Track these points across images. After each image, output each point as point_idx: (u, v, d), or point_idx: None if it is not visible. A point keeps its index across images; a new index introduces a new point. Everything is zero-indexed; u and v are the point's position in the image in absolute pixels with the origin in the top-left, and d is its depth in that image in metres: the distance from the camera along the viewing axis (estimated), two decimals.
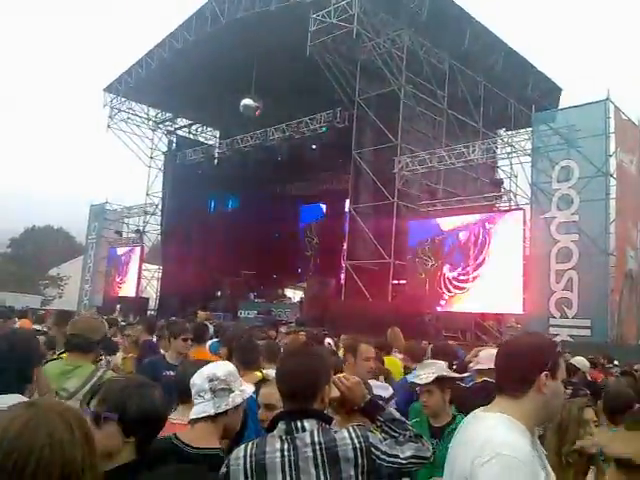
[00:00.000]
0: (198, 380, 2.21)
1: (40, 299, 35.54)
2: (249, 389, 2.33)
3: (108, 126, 26.34)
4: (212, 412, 2.15)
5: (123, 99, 26.24)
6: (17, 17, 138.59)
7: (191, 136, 28.72)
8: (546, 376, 1.62)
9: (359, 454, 1.83)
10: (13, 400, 1.81)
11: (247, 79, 19.98)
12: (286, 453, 1.82)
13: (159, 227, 27.08)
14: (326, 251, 21.86)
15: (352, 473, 1.81)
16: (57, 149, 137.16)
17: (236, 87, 20.20)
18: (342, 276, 18.25)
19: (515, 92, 20.26)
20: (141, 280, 27.28)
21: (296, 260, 24.36)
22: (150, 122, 27.61)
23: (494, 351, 3.63)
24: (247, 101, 20.61)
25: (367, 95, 18.42)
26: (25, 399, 1.97)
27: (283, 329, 12.31)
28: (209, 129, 29.25)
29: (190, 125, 28.76)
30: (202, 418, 2.15)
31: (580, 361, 6.50)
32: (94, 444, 1.12)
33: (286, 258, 23.64)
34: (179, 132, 28.43)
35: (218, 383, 2.20)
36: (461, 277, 15.46)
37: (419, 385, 3.20)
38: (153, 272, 28.56)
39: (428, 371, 3.19)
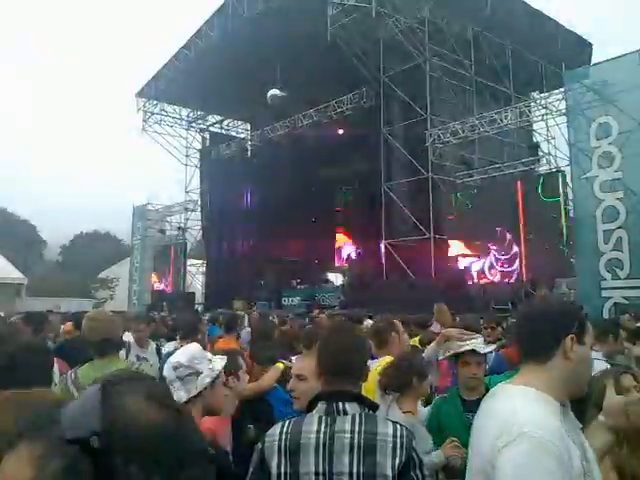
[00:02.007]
0: (166, 371, 2.24)
1: (92, 302, 36.48)
2: (219, 364, 2.31)
3: (143, 129, 26.92)
4: (184, 399, 2.16)
5: (155, 102, 26.75)
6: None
7: (223, 131, 29.09)
8: (572, 340, 1.45)
9: (398, 453, 1.74)
10: None
11: (272, 70, 19.94)
12: (322, 435, 1.77)
13: (200, 223, 27.41)
14: (364, 231, 21.60)
15: (387, 472, 1.72)
16: (97, 156, 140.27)
17: (262, 79, 20.18)
18: (382, 255, 17.98)
19: (544, 53, 19.50)
20: (187, 275, 27.66)
21: (336, 243, 24.19)
22: (183, 121, 28.08)
23: None
24: (274, 91, 20.56)
25: (392, 72, 18.13)
26: None
27: (325, 313, 12.26)
28: (240, 123, 29.50)
29: (221, 121, 29.06)
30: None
31: None
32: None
33: (326, 242, 23.50)
34: (211, 128, 28.80)
35: (183, 370, 2.21)
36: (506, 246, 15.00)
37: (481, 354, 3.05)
38: (198, 267, 29.02)
39: (479, 341, 3.07)
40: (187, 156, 28.14)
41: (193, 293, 27.33)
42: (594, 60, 19.06)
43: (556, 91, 15.75)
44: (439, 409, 3.12)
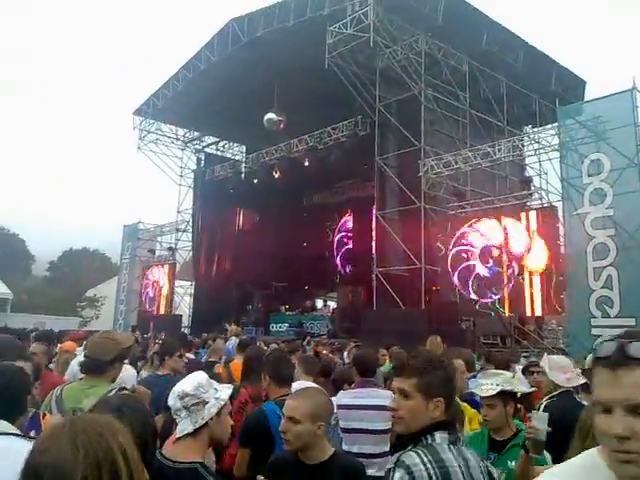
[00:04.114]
0: (171, 401, 2.23)
1: (78, 321, 36.02)
2: (225, 394, 2.30)
3: (138, 148, 26.89)
4: (190, 429, 2.17)
5: (152, 121, 26.81)
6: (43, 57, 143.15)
7: (218, 153, 29.04)
8: None
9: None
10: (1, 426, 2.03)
11: (269, 94, 20.13)
12: (462, 463, 1.82)
13: (190, 244, 27.26)
14: (355, 259, 21.52)
15: None
16: (90, 172, 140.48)
17: (259, 102, 20.36)
18: (373, 284, 17.82)
19: (538, 88, 19.78)
20: (174, 297, 27.35)
21: (326, 270, 24.07)
22: (179, 141, 28.10)
23: (562, 358, 3.68)
24: (270, 115, 20.71)
25: (387, 101, 18.29)
26: (10, 426, 2.08)
27: (312, 342, 12.10)
28: (235, 145, 29.55)
29: (217, 142, 29.09)
30: (183, 436, 2.18)
31: None
32: (109, 458, 1.10)
33: (315, 268, 23.39)
34: (207, 149, 28.79)
35: (189, 399, 2.20)
36: (496, 279, 14.86)
37: (481, 398, 3.02)
38: (186, 289, 28.71)
39: (492, 382, 2.96)
40: (181, 176, 28.11)
41: (180, 315, 26.98)
42: (587, 97, 19.34)
43: (549, 126, 15.92)
44: (468, 443, 3.05)
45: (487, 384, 2.96)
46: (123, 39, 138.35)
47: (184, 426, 2.18)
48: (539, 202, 15.28)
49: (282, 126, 20.88)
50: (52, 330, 11.34)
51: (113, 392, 2.91)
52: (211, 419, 2.19)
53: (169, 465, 2.12)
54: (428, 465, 1.77)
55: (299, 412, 2.37)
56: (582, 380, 3.52)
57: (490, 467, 1.91)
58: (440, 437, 1.85)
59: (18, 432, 2.08)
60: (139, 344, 8.82)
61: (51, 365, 6.11)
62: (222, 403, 2.25)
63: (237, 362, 5.58)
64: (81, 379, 3.27)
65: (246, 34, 19.81)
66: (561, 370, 3.61)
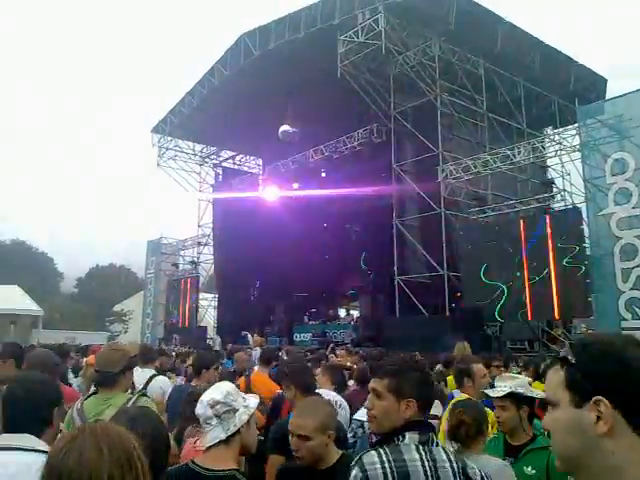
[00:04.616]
0: (201, 409, 2.20)
1: (107, 335, 36.51)
2: (253, 402, 2.31)
3: (158, 164, 27.37)
4: (223, 436, 2.16)
5: (169, 138, 27.25)
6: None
7: (236, 166, 29.46)
8: None
9: None
10: (24, 440, 2.01)
11: (283, 106, 20.10)
12: (426, 463, 1.81)
13: (212, 257, 27.40)
14: (376, 268, 21.31)
15: None
16: (112, 189, 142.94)
17: (274, 114, 20.36)
18: (395, 292, 17.61)
19: (557, 88, 19.38)
20: (198, 309, 27.52)
21: (347, 279, 23.91)
22: (196, 157, 28.53)
23: None
24: (285, 127, 20.66)
25: (402, 108, 18.15)
26: (36, 440, 2.05)
27: (338, 351, 11.94)
28: (252, 158, 29.88)
29: (234, 156, 29.47)
30: (215, 443, 2.16)
31: None
32: (132, 463, 1.15)
33: (337, 278, 23.25)
34: (224, 164, 29.25)
35: (220, 407, 2.18)
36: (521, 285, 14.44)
37: (492, 398, 3.06)
38: (210, 301, 28.95)
39: (505, 384, 3.02)
40: (200, 191, 28.62)
41: (205, 327, 27.15)
42: (609, 95, 18.81)
43: (570, 126, 15.51)
44: (485, 448, 3.08)
45: (500, 386, 3.00)
46: (140, 57, 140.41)
47: (216, 434, 2.16)
48: (562, 204, 14.90)
49: (297, 137, 20.84)
50: (65, 344, 11.63)
51: (133, 399, 3.05)
52: (242, 427, 2.19)
53: (206, 474, 2.11)
54: (386, 464, 1.78)
55: (308, 429, 2.37)
56: None
57: (470, 468, 1.86)
58: (410, 437, 1.85)
59: (46, 449, 1.95)
60: (167, 355, 8.79)
61: (75, 379, 6.34)
62: (252, 411, 2.26)
63: (257, 373, 5.64)
64: (96, 392, 3.28)
65: (258, 47, 19.94)
66: None
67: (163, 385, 5.11)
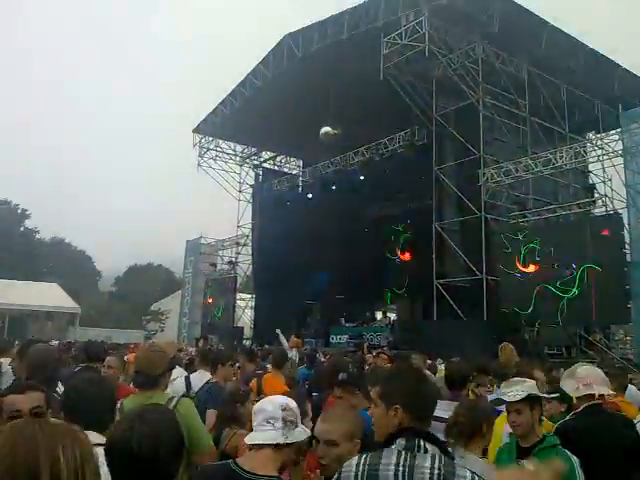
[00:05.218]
0: (270, 407, 2.24)
1: (143, 334, 37.72)
2: (308, 430, 2.36)
3: (198, 164, 28.04)
4: (281, 441, 2.17)
5: (210, 138, 27.99)
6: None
7: (276, 167, 30.04)
8: None
9: None
10: (93, 438, 1.95)
11: (325, 107, 20.66)
12: (401, 467, 1.83)
13: (250, 257, 28.24)
14: (415, 271, 21.76)
15: None
16: (153, 189, 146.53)
17: (315, 116, 20.93)
18: (433, 295, 18.05)
19: (600, 93, 19.56)
20: (236, 309, 28.35)
21: (385, 282, 24.40)
22: (237, 158, 29.17)
23: (599, 371, 3.55)
24: (326, 129, 21.20)
25: (445, 111, 18.55)
26: (101, 437, 2.01)
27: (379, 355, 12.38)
28: (292, 159, 30.47)
29: (274, 157, 30.07)
30: (268, 445, 2.17)
31: None
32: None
33: (375, 280, 23.76)
34: (264, 165, 29.82)
35: (290, 414, 2.24)
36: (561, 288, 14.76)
37: (506, 403, 3.09)
38: (247, 301, 29.72)
39: (517, 389, 3.06)
40: (240, 191, 29.25)
41: (242, 327, 27.96)
42: None
43: (613, 131, 15.75)
44: (499, 455, 3.24)
45: (513, 391, 3.05)
46: (183, 57, 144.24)
47: (274, 435, 2.17)
48: (603, 209, 15.15)
49: (338, 139, 21.43)
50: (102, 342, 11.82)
51: (174, 401, 3.16)
52: (294, 443, 2.23)
53: (246, 477, 2.10)
54: (360, 467, 1.88)
55: (336, 434, 2.37)
56: (592, 391, 3.36)
57: (459, 471, 1.84)
58: (398, 443, 1.89)
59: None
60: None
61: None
62: (307, 435, 2.31)
63: (269, 375, 5.66)
64: (134, 394, 3.41)
65: (301, 49, 20.57)
66: (577, 379, 3.47)
67: (195, 383, 5.27)
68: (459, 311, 17.15)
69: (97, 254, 61.90)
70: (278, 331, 13.52)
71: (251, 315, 28.82)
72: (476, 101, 17.27)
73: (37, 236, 55.44)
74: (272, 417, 2.20)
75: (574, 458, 2.79)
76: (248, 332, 27.68)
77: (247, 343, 23.78)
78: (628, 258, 13.64)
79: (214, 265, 30.11)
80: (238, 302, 28.95)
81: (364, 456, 1.92)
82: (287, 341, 12.84)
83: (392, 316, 23.19)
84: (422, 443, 1.88)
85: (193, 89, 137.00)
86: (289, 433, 2.19)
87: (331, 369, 4.57)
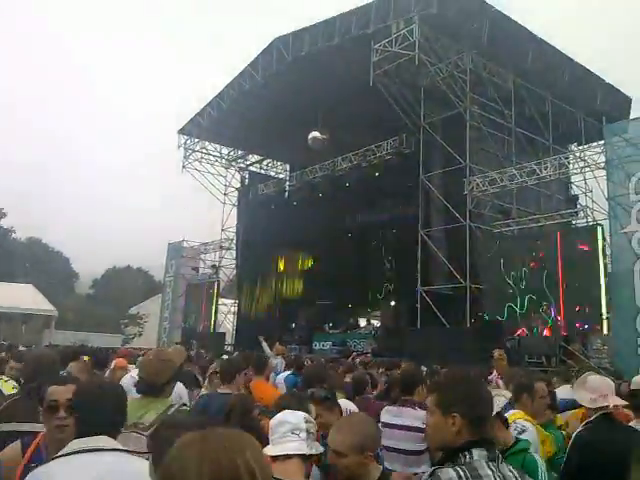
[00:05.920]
0: (293, 419, 2.36)
1: (121, 338, 37.73)
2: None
3: (183, 166, 28.16)
4: (307, 451, 2.28)
5: (196, 140, 28.11)
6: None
7: (262, 171, 30.32)
8: None
9: None
10: (104, 441, 2.12)
11: (313, 112, 21.21)
12: (498, 478, 1.90)
13: (234, 262, 28.51)
14: (399, 278, 22.34)
15: None
16: (133, 190, 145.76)
17: (304, 120, 21.44)
18: (417, 303, 18.59)
19: (584, 106, 20.50)
20: (217, 315, 28.53)
21: (369, 289, 24.95)
22: (223, 160, 29.32)
23: (608, 380, 3.73)
24: (314, 134, 21.74)
25: (432, 119, 19.14)
26: (114, 442, 2.18)
27: (358, 359, 12.75)
28: (279, 163, 30.79)
29: (261, 160, 30.29)
30: (296, 455, 2.28)
31: None
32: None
33: (359, 287, 24.29)
34: (251, 168, 30.03)
35: (312, 426, 2.39)
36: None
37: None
38: (229, 306, 29.90)
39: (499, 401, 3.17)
40: (225, 194, 29.39)
41: (223, 333, 28.14)
42: (633, 115, 19.86)
43: (595, 144, 16.52)
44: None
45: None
46: (169, 58, 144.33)
47: (299, 446, 2.27)
48: (584, 220, 15.88)
49: (326, 144, 21.95)
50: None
51: (174, 408, 3.19)
52: (312, 456, 2.33)
53: None
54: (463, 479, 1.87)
55: (345, 446, 2.39)
56: (607, 403, 3.48)
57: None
58: (478, 454, 1.92)
59: (128, 449, 2.19)
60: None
61: None
62: (320, 451, 2.40)
63: (256, 382, 5.57)
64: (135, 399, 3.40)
65: (291, 53, 20.93)
66: (591, 390, 3.59)
67: (181, 392, 5.08)
68: (443, 319, 17.63)
69: (75, 255, 61.63)
70: (261, 338, 13.64)
71: (233, 321, 29.05)
72: (463, 110, 17.88)
73: (12, 235, 55.18)
74: (297, 428, 2.32)
75: (540, 462, 2.99)
76: (230, 338, 27.94)
77: (229, 349, 24.05)
78: (609, 269, 14.35)
79: (196, 269, 30.32)
80: (220, 307, 29.08)
81: (459, 470, 1.90)
82: (270, 348, 13.01)
83: (376, 323, 23.68)
84: (498, 453, 1.99)
85: (181, 89, 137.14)
86: (313, 444, 2.33)
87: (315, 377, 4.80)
